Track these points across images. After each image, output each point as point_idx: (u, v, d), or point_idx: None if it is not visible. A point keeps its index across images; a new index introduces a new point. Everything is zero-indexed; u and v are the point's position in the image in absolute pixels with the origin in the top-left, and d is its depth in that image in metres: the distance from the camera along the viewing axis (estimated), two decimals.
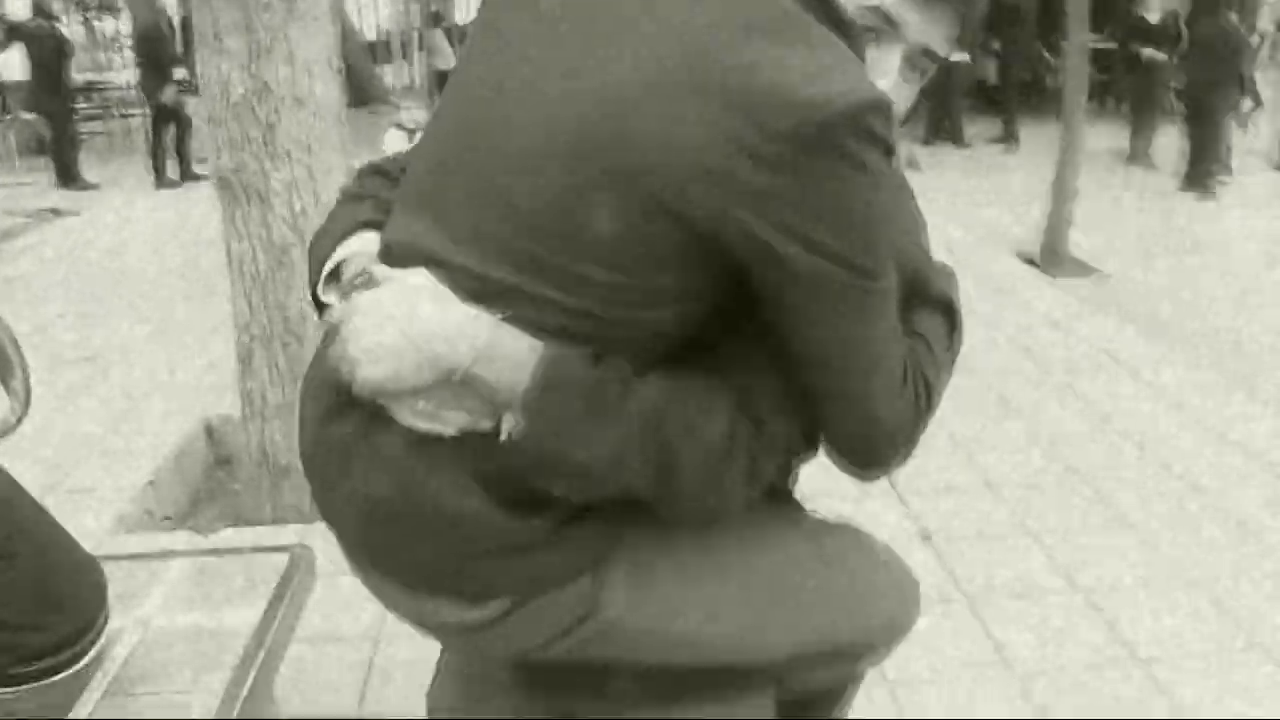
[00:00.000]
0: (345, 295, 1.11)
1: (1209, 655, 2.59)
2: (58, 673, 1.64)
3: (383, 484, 1.12)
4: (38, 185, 9.70)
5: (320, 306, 1.23)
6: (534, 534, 1.10)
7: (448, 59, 11.78)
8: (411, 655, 2.68)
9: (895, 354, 1.08)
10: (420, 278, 1.05)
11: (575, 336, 1.02)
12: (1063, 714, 2.39)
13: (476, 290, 1.03)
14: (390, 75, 12.30)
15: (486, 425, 1.05)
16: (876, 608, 1.36)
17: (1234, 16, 8.43)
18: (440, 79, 9.97)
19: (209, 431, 4.13)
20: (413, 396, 1.05)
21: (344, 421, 1.14)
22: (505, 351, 1.02)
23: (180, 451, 3.92)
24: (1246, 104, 8.48)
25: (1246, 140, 9.46)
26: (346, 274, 1.16)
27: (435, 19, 12.19)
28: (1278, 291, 5.79)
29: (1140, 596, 2.84)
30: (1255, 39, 8.44)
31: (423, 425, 1.07)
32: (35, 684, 1.60)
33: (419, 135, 5.84)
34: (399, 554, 1.17)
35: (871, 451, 1.12)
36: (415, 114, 6.38)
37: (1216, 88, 8.05)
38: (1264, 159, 9.81)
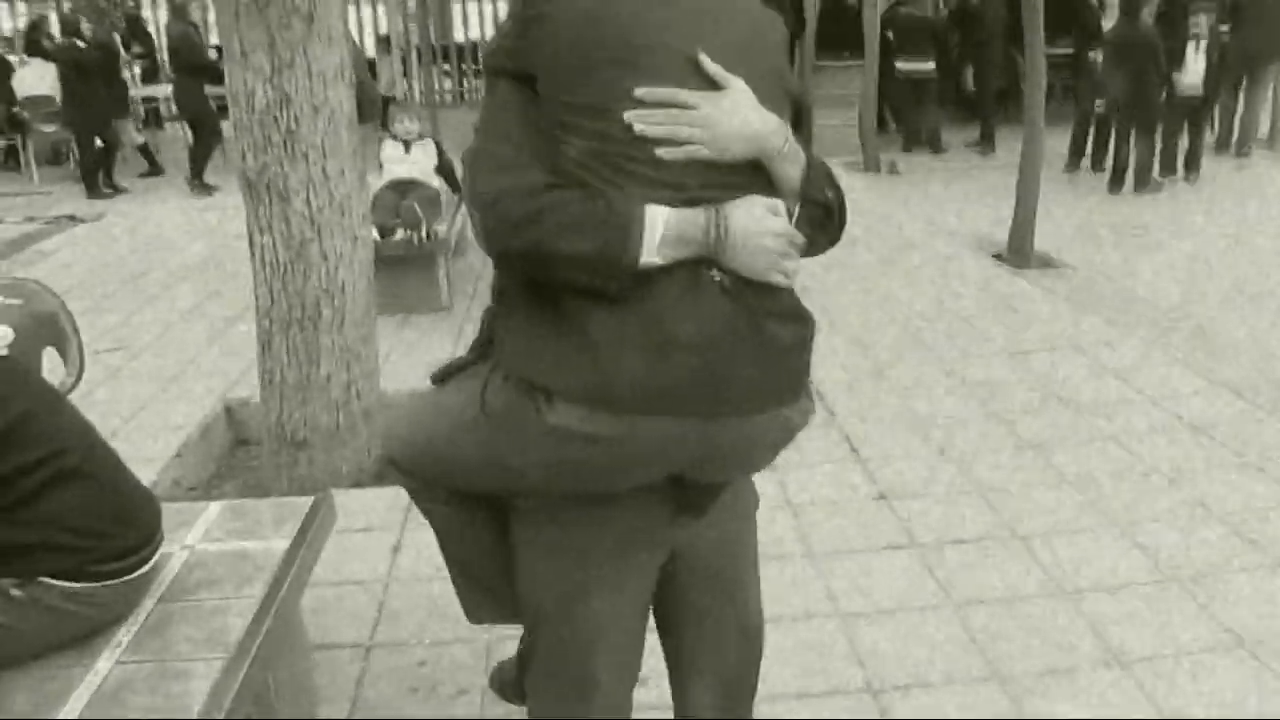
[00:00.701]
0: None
1: (1132, 588, 2.94)
2: (126, 574, 1.98)
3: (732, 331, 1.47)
4: (56, 194, 10.06)
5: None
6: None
7: (391, 86, 11.71)
8: (416, 596, 3.04)
9: None
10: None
11: None
12: (996, 636, 2.73)
13: None
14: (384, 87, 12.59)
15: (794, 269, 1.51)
16: None
17: (1148, 20, 8.84)
18: (385, 104, 10.20)
19: (229, 412, 4.47)
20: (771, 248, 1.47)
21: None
22: (792, 145, 1.54)
23: (204, 429, 4.26)
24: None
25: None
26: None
27: (386, 45, 12.23)
28: (1222, 279, 6.14)
29: (1074, 539, 3.19)
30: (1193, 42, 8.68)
31: (774, 275, 1.48)
32: (110, 582, 1.95)
33: (412, 148, 6.10)
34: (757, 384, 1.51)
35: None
36: (408, 125, 6.52)
37: (1138, 91, 8.43)
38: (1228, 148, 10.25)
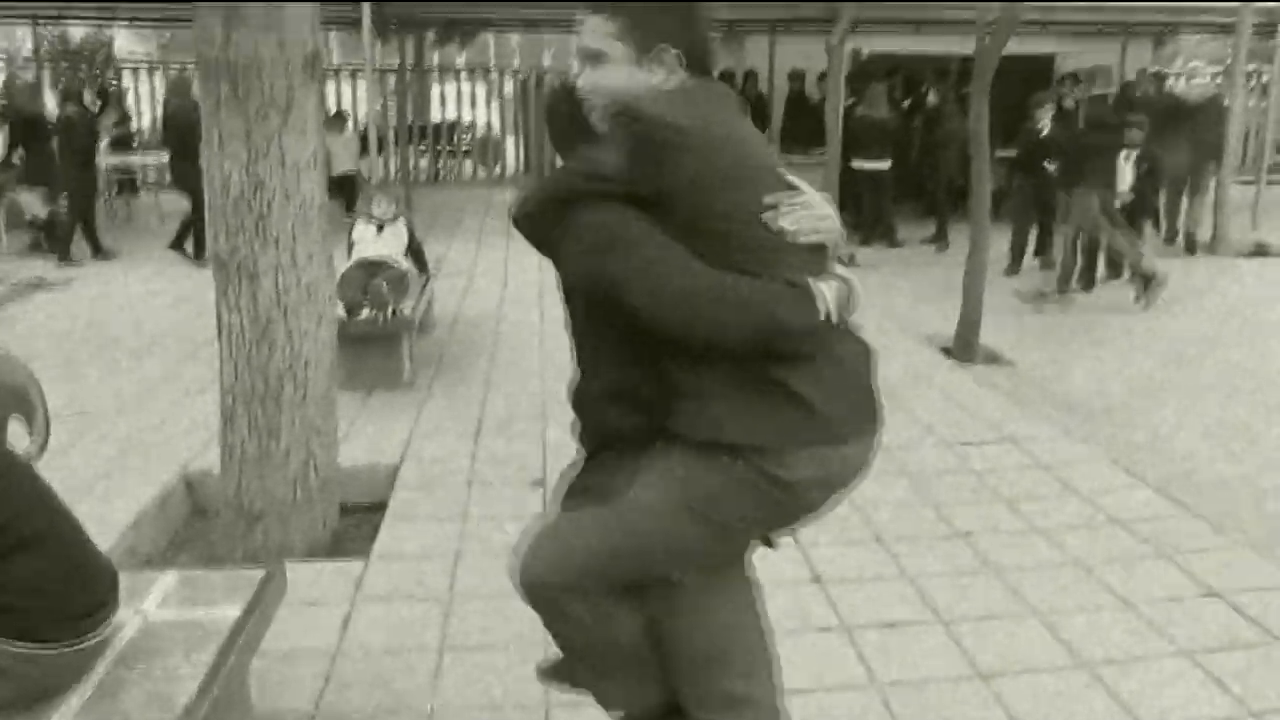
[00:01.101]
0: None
1: (1045, 674, 3.09)
2: (80, 639, 2.09)
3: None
4: (24, 259, 10.17)
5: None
6: None
7: (345, 163, 11.82)
8: (363, 669, 3.14)
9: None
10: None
11: None
12: (914, 717, 2.87)
13: None
14: (365, 169, 12.82)
15: None
16: None
17: (1039, 125, 9.42)
18: (337, 183, 10.32)
19: (187, 483, 4.57)
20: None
21: None
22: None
23: (162, 499, 4.35)
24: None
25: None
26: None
27: (339, 121, 12.34)
28: (1151, 378, 6.41)
29: (995, 625, 3.35)
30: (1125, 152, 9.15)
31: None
32: (64, 647, 2.05)
33: (385, 229, 6.31)
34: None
35: None
36: (385, 207, 6.69)
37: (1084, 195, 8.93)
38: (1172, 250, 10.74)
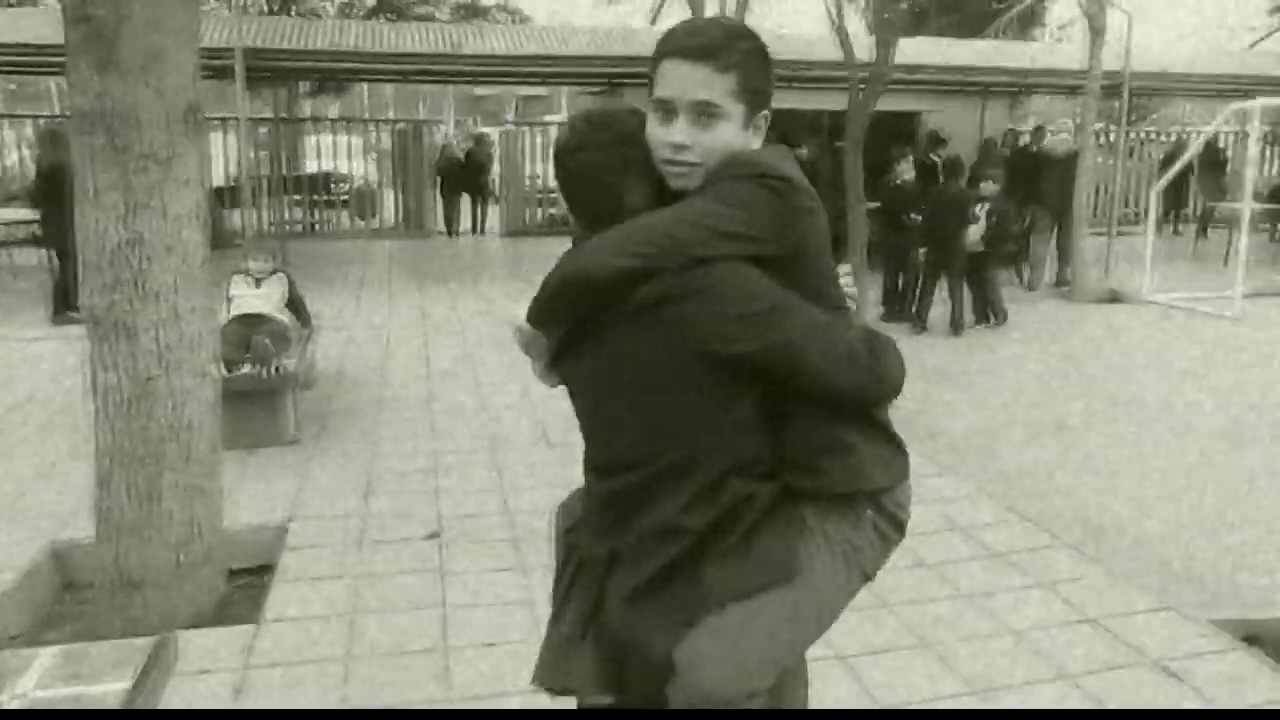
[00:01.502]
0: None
1: (937, 702, 3.18)
2: None
3: None
4: None
5: None
6: None
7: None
8: None
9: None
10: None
11: None
12: None
13: None
14: (238, 220, 12.56)
15: None
16: None
17: (903, 178, 9.92)
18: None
19: (56, 554, 4.34)
20: None
21: None
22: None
23: (29, 573, 4.11)
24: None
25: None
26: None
27: (221, 199, 12.05)
28: (1020, 413, 6.72)
29: (887, 658, 3.43)
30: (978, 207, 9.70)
31: None
32: None
33: (263, 283, 6.16)
34: None
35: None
36: (261, 264, 6.56)
37: (950, 245, 9.46)
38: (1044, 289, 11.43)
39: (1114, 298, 11.63)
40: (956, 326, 9.59)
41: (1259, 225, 13.44)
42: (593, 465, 1.89)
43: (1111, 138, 15.03)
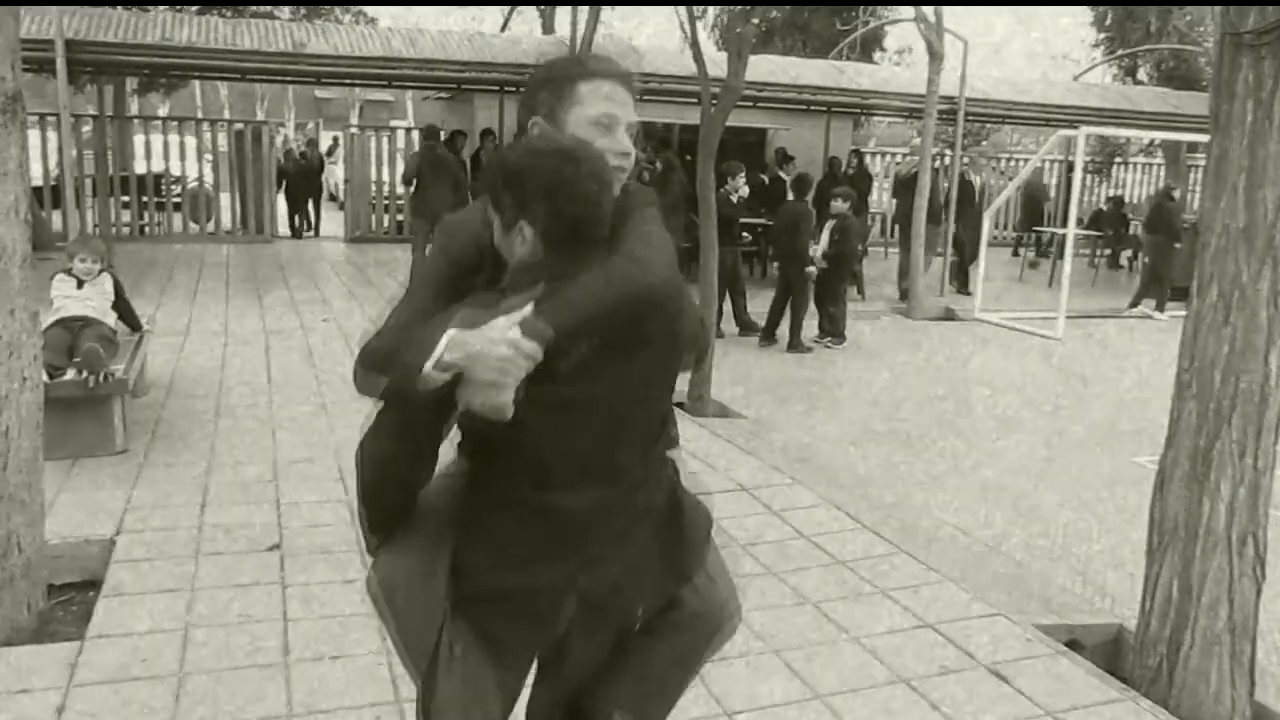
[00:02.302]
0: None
1: (781, 709, 3.25)
2: None
3: None
4: None
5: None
6: None
7: None
8: None
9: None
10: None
11: None
12: None
13: None
14: (59, 222, 11.83)
15: None
16: None
17: (737, 194, 10.28)
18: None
19: None
20: None
21: None
22: None
23: None
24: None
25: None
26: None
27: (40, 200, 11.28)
28: (862, 424, 6.99)
29: (731, 665, 3.49)
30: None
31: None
32: None
33: (87, 285, 5.79)
34: None
35: None
36: (88, 265, 6.15)
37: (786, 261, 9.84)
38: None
39: (948, 315, 12.20)
40: (794, 344, 9.84)
41: (1079, 251, 14.33)
42: (569, 482, 1.84)
43: (946, 160, 15.79)
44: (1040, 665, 3.65)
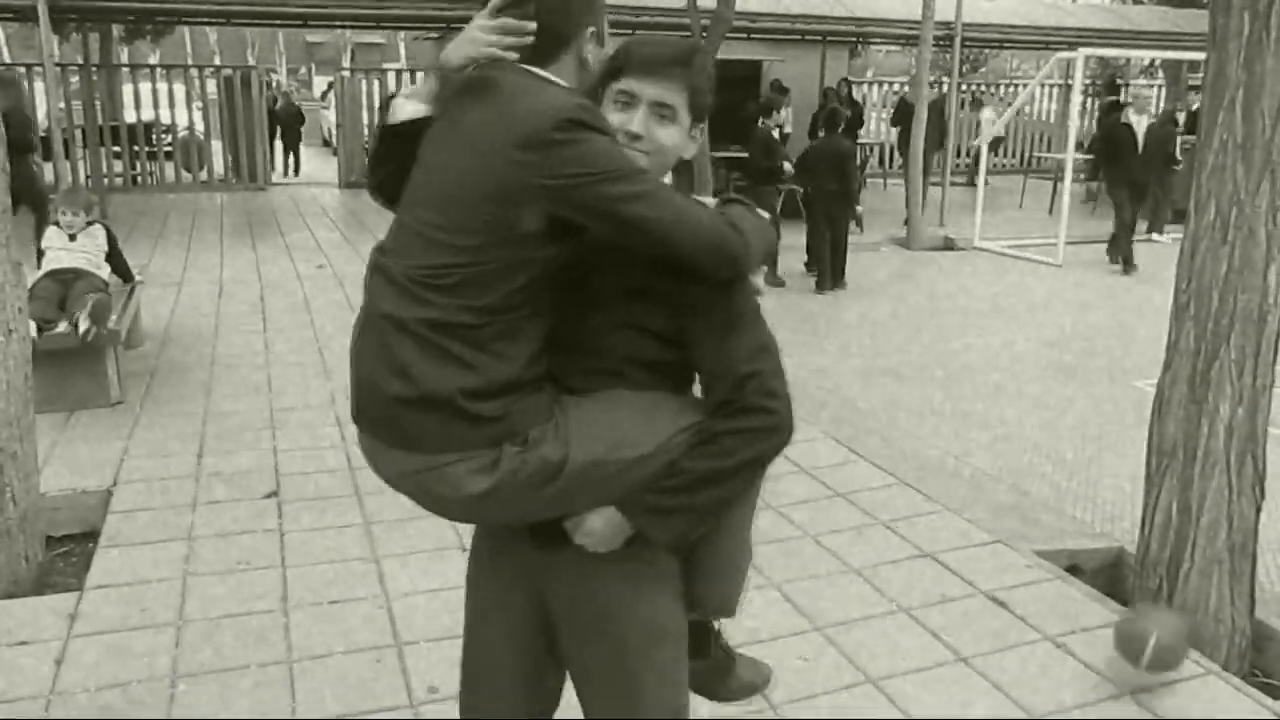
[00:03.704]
0: None
1: (784, 641, 3.26)
2: None
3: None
4: None
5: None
6: None
7: None
8: (82, 710, 2.87)
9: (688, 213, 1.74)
10: None
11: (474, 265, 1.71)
12: None
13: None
14: (50, 174, 11.70)
15: None
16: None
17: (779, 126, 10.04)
18: None
19: None
20: None
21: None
22: None
23: None
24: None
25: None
26: None
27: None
28: (869, 363, 6.96)
29: None
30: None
31: None
32: None
33: (79, 237, 5.76)
34: None
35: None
36: (74, 218, 6.06)
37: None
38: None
39: (948, 245, 12.10)
40: (836, 281, 9.69)
41: (1078, 175, 14.15)
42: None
43: (944, 89, 15.54)
44: (1041, 590, 3.66)
